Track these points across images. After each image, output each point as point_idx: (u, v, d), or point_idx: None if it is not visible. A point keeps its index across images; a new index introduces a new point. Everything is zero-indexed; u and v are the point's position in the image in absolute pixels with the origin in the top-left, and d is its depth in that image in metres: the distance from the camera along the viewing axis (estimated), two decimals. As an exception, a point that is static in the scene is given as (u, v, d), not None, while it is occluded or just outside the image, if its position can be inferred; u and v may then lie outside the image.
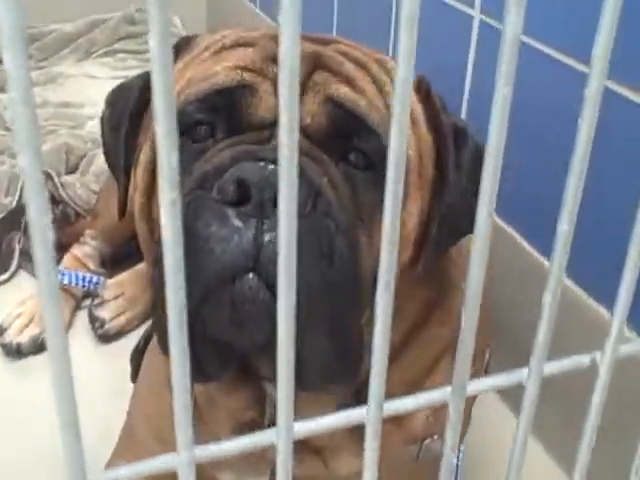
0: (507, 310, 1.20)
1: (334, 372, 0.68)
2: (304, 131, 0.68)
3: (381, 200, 0.67)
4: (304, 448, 0.81)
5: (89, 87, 2.19)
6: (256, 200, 0.60)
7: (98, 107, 2.00)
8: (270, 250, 0.59)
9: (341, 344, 0.66)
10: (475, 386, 0.36)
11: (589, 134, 0.32)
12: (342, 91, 0.68)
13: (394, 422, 0.82)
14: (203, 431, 0.81)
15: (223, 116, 0.68)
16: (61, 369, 0.28)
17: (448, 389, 0.35)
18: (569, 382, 1.00)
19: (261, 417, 0.82)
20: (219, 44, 0.74)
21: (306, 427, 0.34)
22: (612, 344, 0.36)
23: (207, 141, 0.68)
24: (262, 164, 0.61)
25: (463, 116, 1.26)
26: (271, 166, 0.61)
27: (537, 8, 1.10)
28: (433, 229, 0.72)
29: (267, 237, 0.59)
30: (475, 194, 0.80)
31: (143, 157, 0.73)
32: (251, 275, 0.60)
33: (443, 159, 0.72)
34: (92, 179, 1.69)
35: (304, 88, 0.69)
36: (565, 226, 0.32)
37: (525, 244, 1.20)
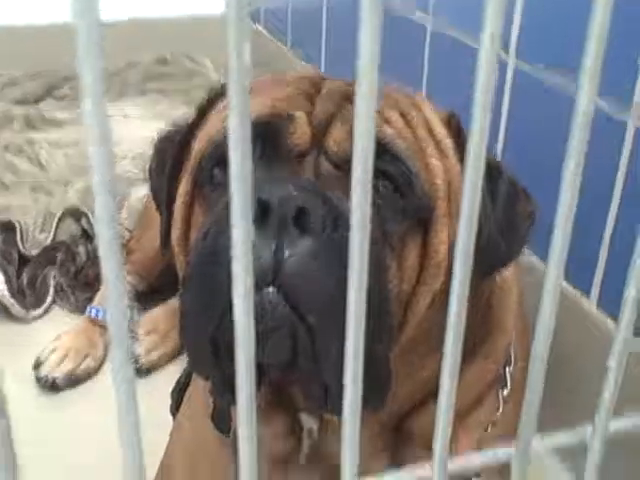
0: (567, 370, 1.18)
1: (362, 397, 0.69)
2: (330, 158, 0.70)
3: (409, 229, 0.69)
4: None
5: (121, 126, 2.23)
6: (277, 218, 0.62)
7: (130, 145, 2.05)
8: (290, 266, 0.61)
9: (369, 369, 0.66)
10: (538, 445, 0.36)
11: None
12: None
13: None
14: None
15: (257, 144, 0.70)
16: (126, 397, 0.29)
17: (511, 450, 0.35)
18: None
19: (295, 449, 0.81)
20: (253, 85, 0.77)
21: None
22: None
23: None
24: (283, 186, 0.63)
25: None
26: (291, 187, 0.63)
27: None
28: None
29: (287, 253, 0.61)
30: (510, 227, 0.80)
31: (181, 191, 0.77)
32: (271, 289, 0.61)
33: None
34: (126, 216, 1.71)
35: (333, 119, 0.72)
36: (633, 292, 0.32)
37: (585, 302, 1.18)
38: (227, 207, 0.64)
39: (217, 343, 0.65)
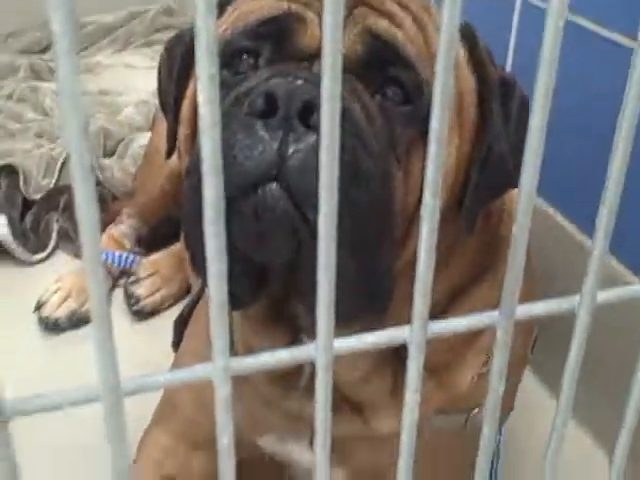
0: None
1: (360, 304, 0.67)
2: None
3: (417, 139, 0.67)
4: (345, 406, 0.80)
5: (127, 77, 2.20)
6: (283, 112, 0.60)
7: (135, 95, 2.03)
8: (293, 161, 0.60)
9: (370, 275, 0.65)
10: (524, 310, 0.34)
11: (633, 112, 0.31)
12: (380, 24, 0.68)
13: (436, 381, 0.81)
14: (239, 381, 0.80)
15: (268, 44, 0.69)
16: (104, 339, 0.28)
17: (496, 312, 0.34)
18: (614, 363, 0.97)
19: (297, 373, 0.80)
20: None
21: (347, 344, 0.32)
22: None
23: (248, 72, 0.69)
24: (291, 79, 0.62)
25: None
26: (300, 81, 0.61)
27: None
28: (474, 175, 0.70)
29: (292, 148, 0.60)
30: (522, 147, 0.78)
31: (189, 91, 0.76)
32: (274, 184, 0.60)
33: (488, 108, 0.71)
34: (129, 163, 1.69)
35: (345, 22, 0.69)
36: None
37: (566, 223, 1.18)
38: (233, 104, 0.63)
39: None
